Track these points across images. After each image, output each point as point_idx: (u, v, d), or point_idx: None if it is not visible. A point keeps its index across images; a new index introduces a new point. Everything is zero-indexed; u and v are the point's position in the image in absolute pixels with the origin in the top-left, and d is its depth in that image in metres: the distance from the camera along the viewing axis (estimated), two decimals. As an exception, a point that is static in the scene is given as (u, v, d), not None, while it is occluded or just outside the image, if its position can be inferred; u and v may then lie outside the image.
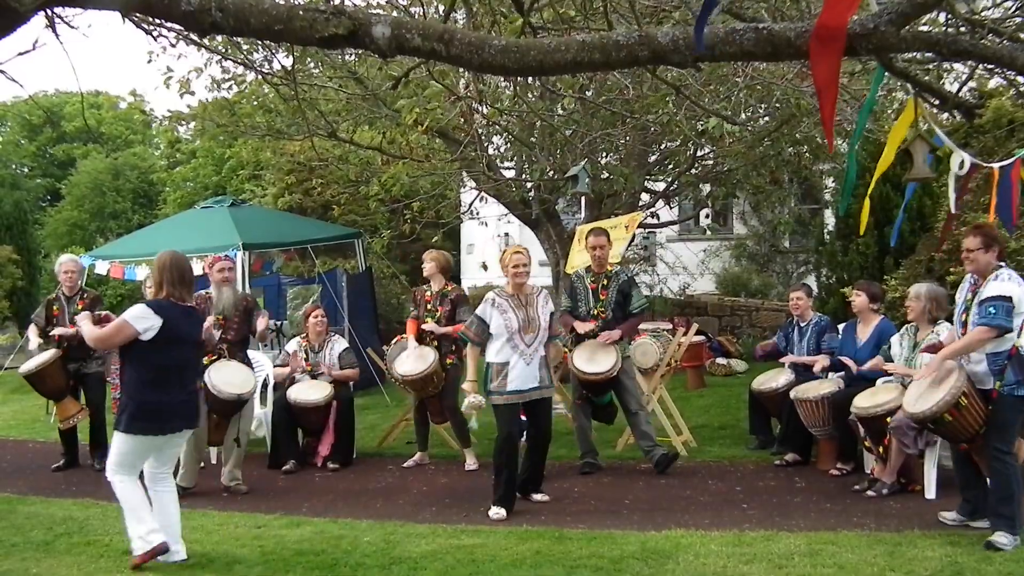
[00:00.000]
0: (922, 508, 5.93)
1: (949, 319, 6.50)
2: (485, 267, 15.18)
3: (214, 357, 7.18)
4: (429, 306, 7.75)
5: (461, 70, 7.91)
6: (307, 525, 6.07)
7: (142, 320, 5.01)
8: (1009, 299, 5.00)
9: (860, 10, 3.05)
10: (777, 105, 8.90)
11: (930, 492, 6.20)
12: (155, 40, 6.68)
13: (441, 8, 8.64)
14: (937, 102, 3.94)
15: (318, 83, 9.79)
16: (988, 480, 5.31)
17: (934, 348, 5.80)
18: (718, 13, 4.78)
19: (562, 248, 10.99)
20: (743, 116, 8.64)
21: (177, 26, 4.61)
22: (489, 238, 15.84)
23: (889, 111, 8.71)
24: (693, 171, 11.72)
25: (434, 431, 8.26)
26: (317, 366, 8.17)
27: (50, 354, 7.91)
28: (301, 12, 3.09)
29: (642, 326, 8.22)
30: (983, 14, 5.42)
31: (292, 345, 8.45)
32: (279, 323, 13.62)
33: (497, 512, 6.13)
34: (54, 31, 3.94)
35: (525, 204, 11.57)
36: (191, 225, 11.82)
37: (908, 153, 4.21)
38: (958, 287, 8.10)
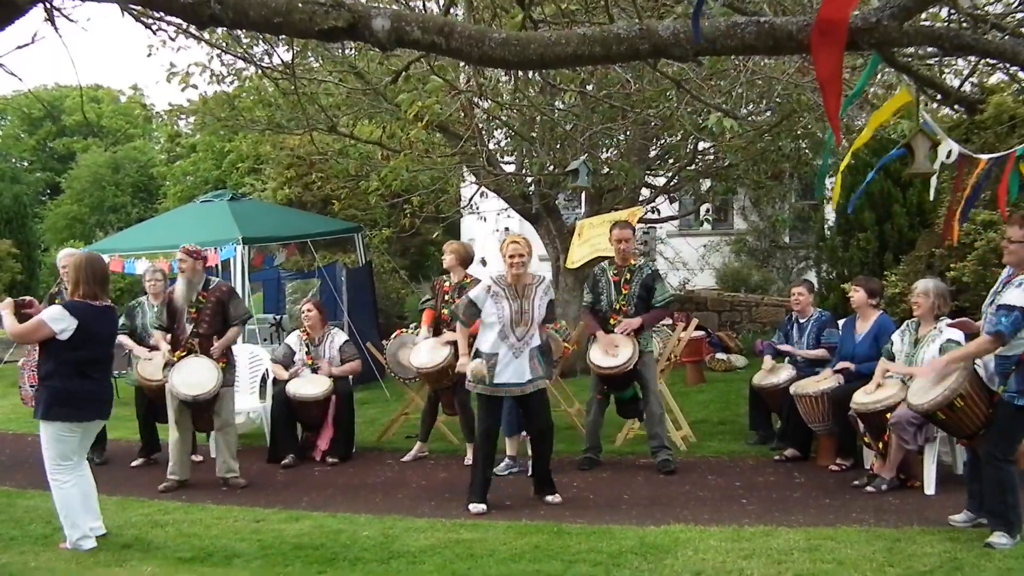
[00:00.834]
0: (921, 504, 5.93)
1: (951, 315, 6.51)
2: (484, 262, 15.18)
3: (184, 352, 7.06)
4: (447, 297, 7.74)
5: (461, 64, 7.90)
6: (306, 519, 6.07)
7: (58, 322, 5.30)
8: (1020, 309, 4.79)
9: (862, 4, 3.04)
10: (778, 100, 8.88)
11: (929, 488, 6.20)
12: (154, 34, 6.67)
13: (441, 2, 8.64)
14: (939, 97, 3.92)
15: (318, 77, 9.77)
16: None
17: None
18: (720, 6, 4.77)
19: (562, 243, 10.99)
20: (744, 111, 8.62)
21: (176, 19, 4.60)
22: (489, 233, 15.82)
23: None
24: (693, 166, 11.71)
25: (435, 424, 8.24)
26: (317, 360, 8.15)
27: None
28: (300, 4, 3.08)
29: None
30: (985, 9, 5.40)
31: (292, 339, 8.44)
32: (278, 317, 13.63)
33: (476, 507, 6.10)
34: (53, 24, 3.93)
35: (525, 199, 11.56)
36: (191, 219, 11.81)
37: (909, 148, 4.19)
38: (958, 283, 8.14)
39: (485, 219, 14.62)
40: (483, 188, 12.15)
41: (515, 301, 6.21)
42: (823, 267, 11.84)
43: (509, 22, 4.99)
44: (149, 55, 8.95)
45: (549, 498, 6.36)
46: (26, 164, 38.95)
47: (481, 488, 6.21)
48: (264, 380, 8.58)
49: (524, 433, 7.07)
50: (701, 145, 11.36)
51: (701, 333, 11.18)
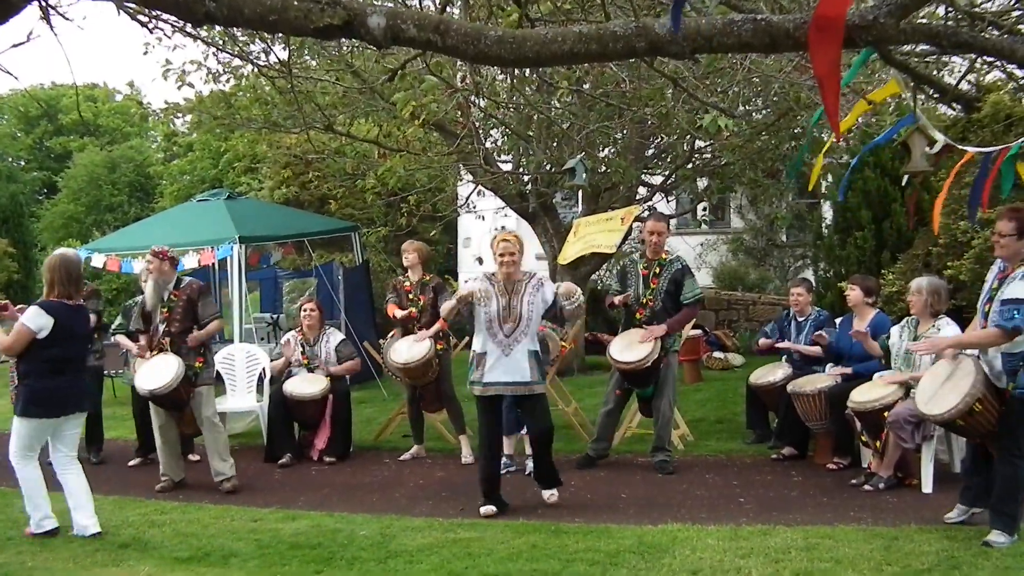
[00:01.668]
0: (919, 502, 5.93)
1: (949, 313, 6.50)
2: (480, 261, 15.16)
3: (156, 352, 7.00)
4: (411, 295, 7.76)
5: (458, 63, 7.89)
6: (303, 518, 6.06)
7: (36, 321, 5.52)
8: None
9: (859, 1, 3.04)
10: (775, 99, 8.88)
11: (927, 486, 6.19)
12: (150, 32, 6.65)
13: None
14: (936, 94, 3.93)
15: (314, 76, 9.75)
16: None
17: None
18: (717, 4, 4.76)
19: (559, 242, 10.98)
20: (740, 109, 8.61)
21: (172, 17, 4.59)
22: (486, 231, 15.82)
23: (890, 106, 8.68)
24: (690, 165, 11.70)
25: (430, 424, 8.24)
26: (313, 359, 8.15)
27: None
28: (296, 2, 3.07)
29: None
30: (982, 7, 5.41)
31: (289, 338, 8.43)
32: (275, 316, 13.61)
33: (486, 509, 6.06)
34: (48, 23, 3.91)
35: (522, 197, 11.56)
36: (188, 218, 11.78)
37: (906, 146, 4.19)
38: (955, 281, 8.14)
39: (482, 218, 14.62)
40: (480, 187, 12.14)
41: (503, 297, 6.08)
42: (820, 265, 11.84)
43: (505, 20, 4.98)
44: (145, 53, 8.94)
45: (546, 493, 6.30)
46: (22, 163, 38.87)
47: (488, 489, 6.15)
48: (261, 380, 8.57)
49: (523, 431, 7.03)
50: (698, 144, 11.37)
51: (698, 332, 11.18)
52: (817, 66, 2.76)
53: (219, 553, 5.34)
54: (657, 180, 12.69)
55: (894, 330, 6.57)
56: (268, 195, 17.59)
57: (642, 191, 12.41)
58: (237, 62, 9.98)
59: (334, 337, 8.33)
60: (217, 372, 7.94)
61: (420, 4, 8.76)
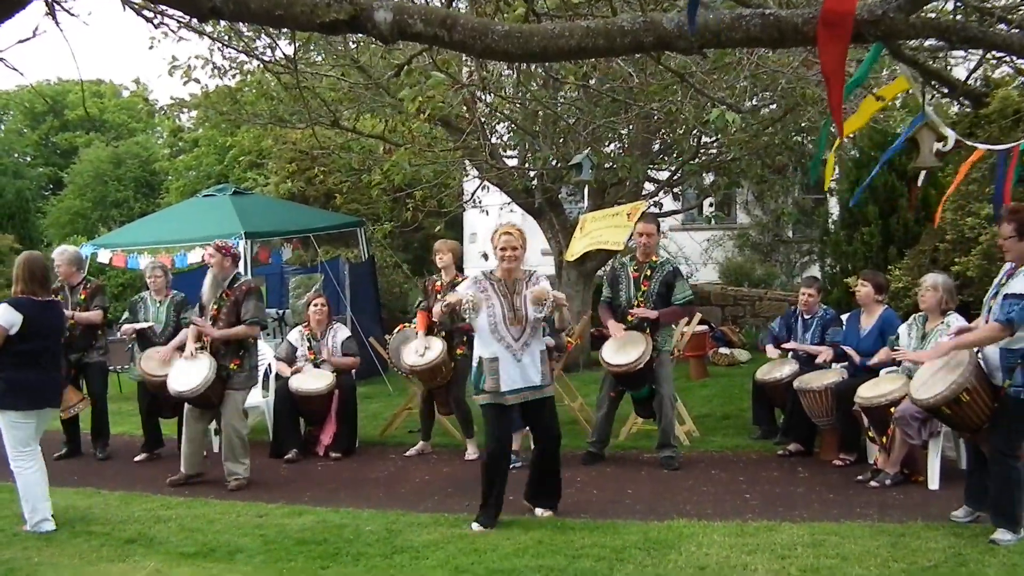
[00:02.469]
0: (926, 499, 5.92)
1: (958, 310, 6.48)
2: (486, 257, 15.12)
3: (199, 347, 7.04)
4: (439, 296, 7.71)
5: (464, 58, 7.88)
6: (309, 514, 6.06)
7: (5, 317, 5.67)
8: None
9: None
10: (781, 94, 8.85)
11: (933, 483, 6.18)
12: (156, 28, 6.65)
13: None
14: (945, 90, 3.91)
15: (320, 71, 9.75)
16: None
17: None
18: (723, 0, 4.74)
19: (565, 238, 10.97)
20: (748, 105, 8.59)
21: (178, 12, 4.58)
22: (491, 227, 15.79)
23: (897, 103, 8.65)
24: (696, 160, 11.68)
25: (437, 421, 8.24)
26: (319, 354, 8.15)
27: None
28: (302, -3, 3.06)
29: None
30: (991, 2, 5.37)
31: (294, 335, 8.43)
32: (281, 312, 13.61)
33: (479, 528, 5.54)
34: (54, 18, 3.92)
35: (528, 193, 11.54)
36: (193, 214, 11.79)
37: (914, 142, 4.17)
38: (962, 278, 8.11)
39: (488, 213, 14.59)
40: (486, 182, 12.12)
41: (507, 298, 5.66)
42: (827, 261, 11.81)
43: (512, 15, 4.97)
44: (151, 47, 8.96)
45: (539, 511, 5.85)
46: (28, 159, 38.93)
47: (491, 512, 5.63)
48: (267, 375, 8.57)
49: (527, 428, 6.99)
50: (704, 139, 11.34)
51: (704, 328, 11.16)
52: (825, 62, 2.75)
53: (225, 548, 5.34)
54: (663, 176, 12.66)
55: (902, 329, 6.55)
56: (274, 190, 17.59)
57: (648, 187, 12.38)
58: (243, 57, 9.97)
59: (340, 332, 8.34)
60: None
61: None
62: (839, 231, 11.12)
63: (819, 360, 7.32)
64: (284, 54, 8.89)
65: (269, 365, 8.52)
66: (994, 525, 5.03)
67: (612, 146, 11.38)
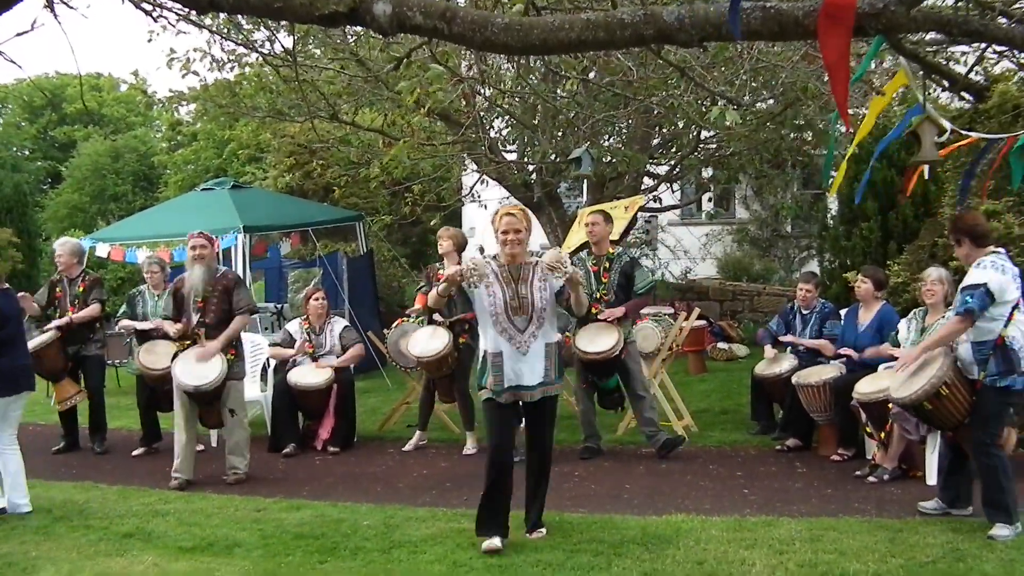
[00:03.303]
0: (923, 494, 5.90)
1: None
2: (482, 250, 15.09)
3: (188, 342, 6.93)
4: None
5: (464, 51, 7.85)
6: (307, 508, 6.06)
7: None
8: (983, 286, 4.93)
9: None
10: (781, 89, 8.84)
11: (931, 478, 6.16)
12: (155, 21, 6.62)
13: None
14: (946, 84, 3.89)
15: (319, 64, 9.73)
16: (974, 468, 5.30)
17: None
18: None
19: (563, 232, 10.95)
20: (747, 99, 8.57)
21: (177, 5, 4.56)
22: (490, 221, 15.76)
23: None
24: (696, 155, 11.66)
25: (434, 415, 8.23)
26: (319, 348, 8.14)
27: (49, 335, 7.90)
28: (301, -11, 3.05)
29: (643, 311, 8.15)
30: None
31: (293, 326, 8.41)
32: (280, 306, 13.61)
33: (490, 544, 4.99)
34: (52, 11, 3.90)
35: (527, 187, 11.53)
36: (192, 208, 11.78)
37: (916, 135, 4.16)
38: (960, 273, 8.11)
39: (486, 207, 14.57)
40: (484, 176, 12.10)
41: (510, 285, 5.10)
42: (826, 256, 11.80)
43: (511, 8, 4.95)
44: (150, 40, 8.89)
45: (534, 535, 5.25)
46: (27, 153, 38.89)
47: (496, 518, 5.10)
48: (265, 369, 8.56)
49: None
50: (704, 133, 11.33)
51: (703, 323, 11.16)
52: (826, 54, 2.75)
53: (223, 543, 5.34)
54: (662, 170, 12.65)
55: (901, 324, 6.55)
56: (272, 184, 17.58)
57: (647, 181, 12.37)
58: (242, 50, 9.95)
59: (338, 325, 8.33)
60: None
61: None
62: (838, 226, 11.11)
63: (814, 345, 7.35)
64: (283, 47, 8.86)
65: (268, 360, 8.51)
66: (989, 520, 5.05)
67: (611, 140, 11.37)
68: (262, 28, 9.19)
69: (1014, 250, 6.94)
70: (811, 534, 5.11)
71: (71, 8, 4.21)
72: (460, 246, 7.81)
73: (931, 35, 5.91)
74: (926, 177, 6.09)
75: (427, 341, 7.55)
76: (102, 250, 11.17)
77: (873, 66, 8.13)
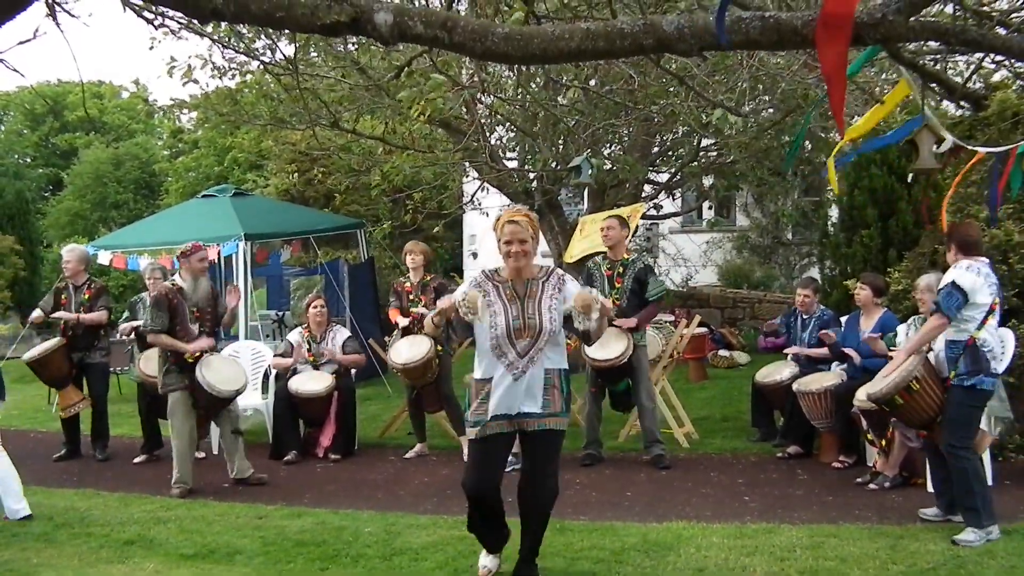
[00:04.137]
0: (924, 501, 5.90)
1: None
2: (475, 256, 15.10)
3: (198, 355, 6.85)
4: (411, 296, 7.80)
5: (464, 60, 7.88)
6: (308, 516, 6.07)
7: None
8: (957, 286, 5.09)
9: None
10: (781, 97, 8.86)
11: (932, 486, 6.17)
12: (156, 29, 6.66)
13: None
14: (945, 92, 3.91)
15: (320, 73, 9.75)
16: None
17: None
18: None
19: (564, 239, 10.96)
20: (747, 107, 8.60)
21: (179, 14, 4.59)
22: (491, 228, 15.78)
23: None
24: (696, 163, 11.68)
25: (434, 422, 8.25)
26: (320, 356, 8.14)
27: (54, 342, 7.93)
28: (303, -1, 3.06)
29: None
30: (990, 6, 5.39)
31: (294, 335, 8.42)
32: (281, 313, 13.63)
33: (485, 560, 4.74)
34: (55, 19, 3.92)
35: (527, 195, 11.54)
36: (193, 215, 11.79)
37: (914, 144, 4.19)
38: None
39: (487, 215, 14.59)
40: (485, 184, 12.12)
41: (514, 303, 4.44)
42: (826, 264, 11.79)
43: (511, 17, 4.97)
44: (151, 48, 8.94)
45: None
46: (29, 160, 38.96)
47: (490, 540, 4.78)
48: (266, 376, 8.57)
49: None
50: (704, 141, 11.35)
51: (703, 330, 11.16)
52: (824, 64, 2.76)
53: (224, 550, 5.34)
54: (663, 178, 12.67)
55: (900, 329, 6.57)
56: (273, 192, 17.60)
57: (648, 189, 12.38)
58: (243, 58, 9.97)
59: (340, 334, 8.33)
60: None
61: (427, 1, 8.75)
62: (838, 233, 11.10)
63: (816, 354, 7.37)
64: (284, 55, 8.88)
65: (269, 367, 8.52)
66: (964, 523, 5.12)
67: (612, 148, 11.39)
68: (263, 36, 9.21)
69: (1014, 257, 6.95)
70: (812, 541, 5.11)
71: (73, 16, 4.24)
72: (428, 260, 7.98)
73: (930, 44, 5.93)
74: (912, 183, 6.16)
75: (409, 349, 7.62)
76: (104, 257, 11.17)
77: (872, 74, 8.16)
